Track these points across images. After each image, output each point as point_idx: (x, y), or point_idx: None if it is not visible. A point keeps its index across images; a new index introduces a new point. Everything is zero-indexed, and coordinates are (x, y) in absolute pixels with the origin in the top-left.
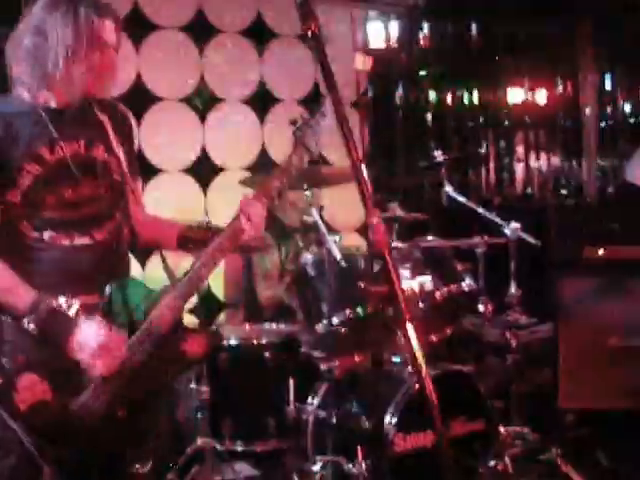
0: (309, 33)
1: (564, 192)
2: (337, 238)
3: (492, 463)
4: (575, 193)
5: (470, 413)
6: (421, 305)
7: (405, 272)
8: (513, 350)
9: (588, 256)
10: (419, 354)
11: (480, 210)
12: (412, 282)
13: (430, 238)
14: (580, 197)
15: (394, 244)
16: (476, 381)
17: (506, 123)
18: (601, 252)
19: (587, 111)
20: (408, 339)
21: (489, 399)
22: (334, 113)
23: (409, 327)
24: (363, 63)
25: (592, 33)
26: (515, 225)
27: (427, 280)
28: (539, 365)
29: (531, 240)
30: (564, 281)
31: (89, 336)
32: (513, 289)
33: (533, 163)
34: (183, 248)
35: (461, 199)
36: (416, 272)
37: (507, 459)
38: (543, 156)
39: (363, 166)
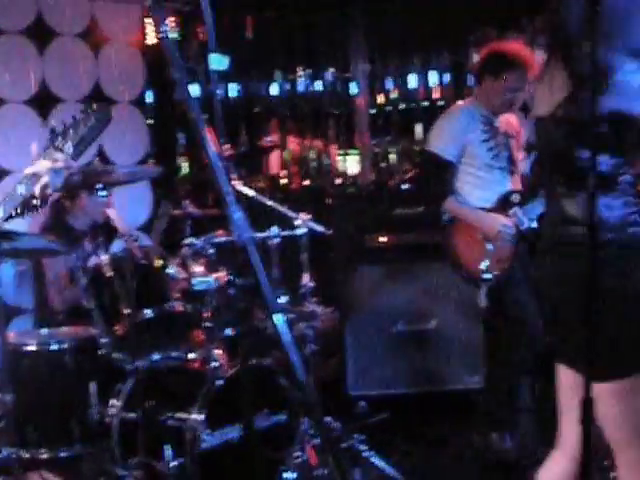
0: (162, 37)
1: (341, 181)
2: (137, 237)
3: (296, 454)
4: (351, 182)
5: (272, 406)
6: (216, 300)
7: (199, 268)
8: (310, 340)
9: (371, 244)
10: (290, 345)
11: (269, 203)
12: (207, 278)
13: (222, 233)
14: (357, 185)
15: (187, 241)
16: (277, 374)
17: (281, 114)
18: (383, 239)
19: (359, 99)
20: (276, 330)
21: (290, 391)
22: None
23: (276, 318)
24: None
25: (364, 22)
26: (305, 216)
27: (221, 275)
28: (327, 354)
29: (321, 230)
30: (350, 270)
31: None
32: (306, 280)
33: (309, 153)
34: None
35: (249, 193)
36: (210, 268)
37: (310, 449)
38: (318, 146)
39: None
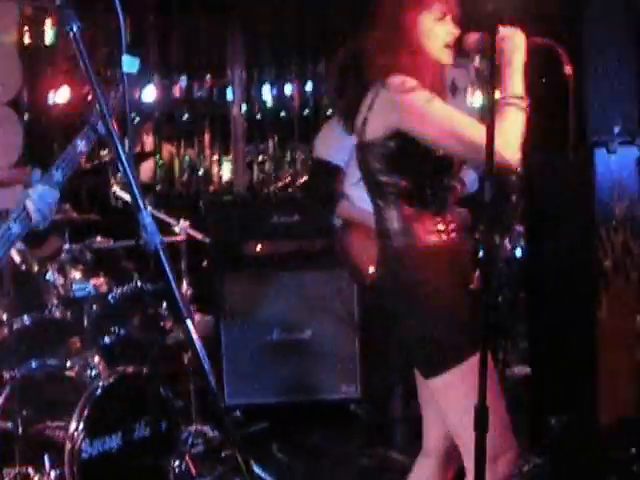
0: (70, 36)
1: (215, 188)
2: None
3: (176, 464)
4: (226, 189)
5: (152, 414)
6: (94, 307)
7: (77, 274)
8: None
9: (246, 252)
10: (200, 352)
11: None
12: (85, 284)
13: (100, 239)
14: (232, 192)
15: (66, 246)
16: (157, 382)
17: (156, 119)
18: (258, 247)
19: (234, 106)
20: (189, 337)
21: (170, 399)
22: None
23: (188, 324)
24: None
25: (241, 28)
26: (184, 223)
27: (100, 282)
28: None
29: (200, 237)
30: (225, 277)
31: None
32: (183, 287)
33: (183, 159)
34: None
35: (127, 198)
36: (88, 274)
37: (190, 459)
38: (193, 152)
39: None
